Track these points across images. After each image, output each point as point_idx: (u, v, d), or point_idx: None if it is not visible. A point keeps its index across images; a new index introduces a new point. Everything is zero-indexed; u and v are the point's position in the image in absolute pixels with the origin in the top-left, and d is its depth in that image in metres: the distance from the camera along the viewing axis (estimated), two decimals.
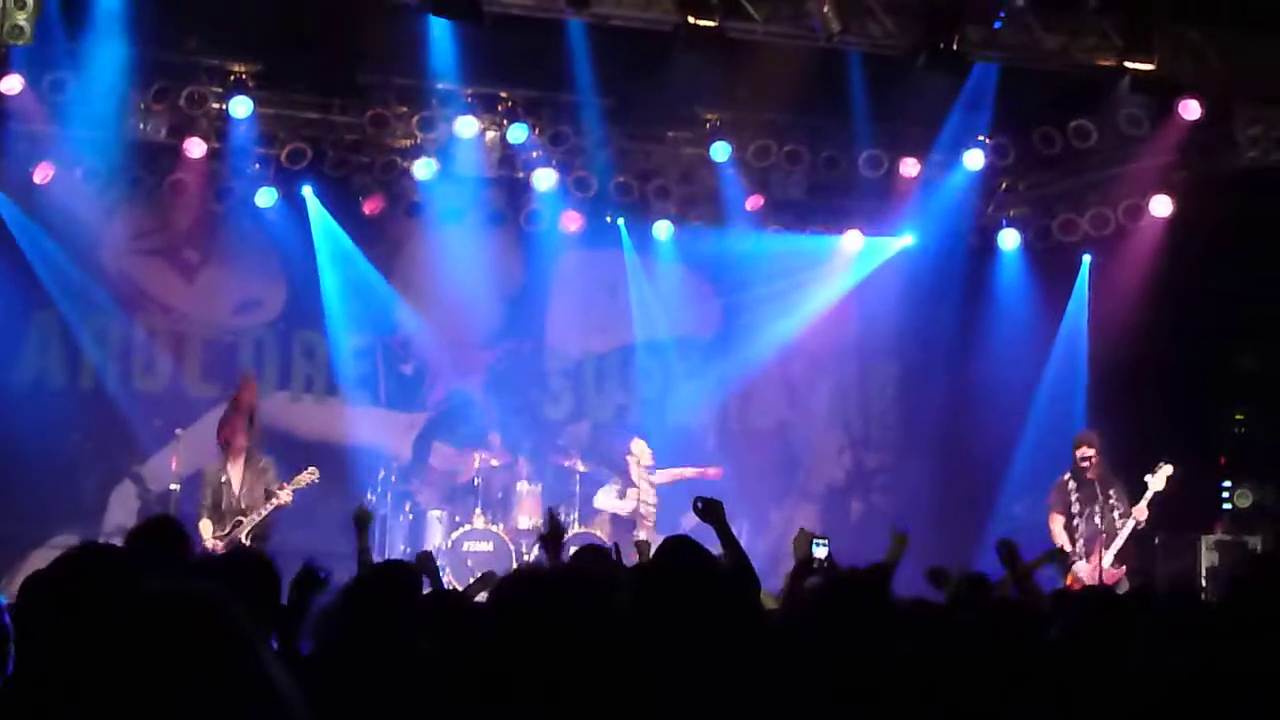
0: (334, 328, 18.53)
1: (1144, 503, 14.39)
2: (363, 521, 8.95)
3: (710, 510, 7.51)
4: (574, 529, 16.63)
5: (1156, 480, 14.44)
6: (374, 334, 18.83)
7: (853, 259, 19.53)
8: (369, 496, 16.81)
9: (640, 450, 16.86)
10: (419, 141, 17.34)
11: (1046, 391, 18.25)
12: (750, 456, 18.86)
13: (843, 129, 17.92)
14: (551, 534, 8.37)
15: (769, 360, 19.59)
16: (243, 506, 14.17)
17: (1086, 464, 14.79)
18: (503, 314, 19.21)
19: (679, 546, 5.19)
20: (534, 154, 17.69)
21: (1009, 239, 18.79)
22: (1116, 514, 14.56)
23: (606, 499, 17.10)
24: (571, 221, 18.56)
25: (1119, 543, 14.39)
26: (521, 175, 18.05)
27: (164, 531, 6.56)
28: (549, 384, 19.51)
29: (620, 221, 18.93)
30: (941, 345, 19.25)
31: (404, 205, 18.04)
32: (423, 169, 17.48)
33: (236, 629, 2.81)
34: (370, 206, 17.90)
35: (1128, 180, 17.57)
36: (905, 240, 19.35)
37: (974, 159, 17.88)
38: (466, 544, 16.55)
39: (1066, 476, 14.96)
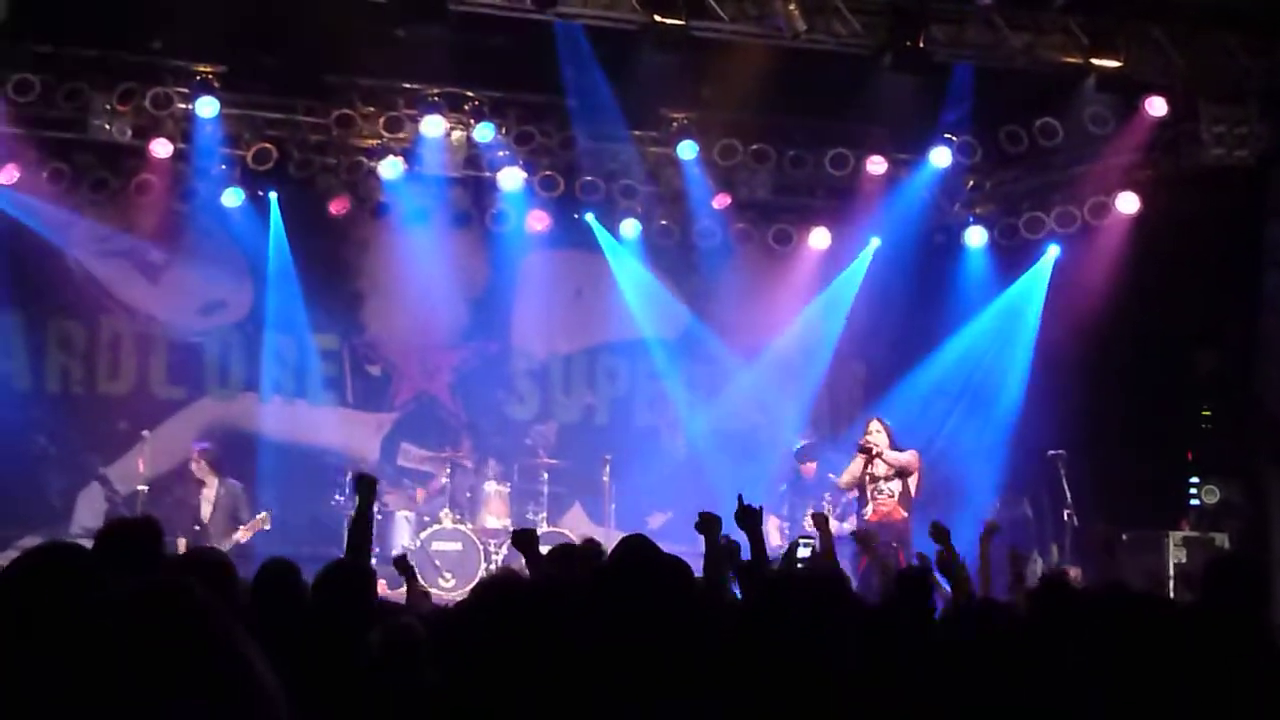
0: (301, 329, 18.57)
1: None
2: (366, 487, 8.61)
3: (707, 525, 7.59)
4: (543, 528, 16.71)
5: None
6: (341, 335, 18.93)
7: (819, 258, 19.53)
8: (337, 498, 16.77)
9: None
10: (385, 141, 17.32)
11: (1014, 388, 18.38)
12: (718, 457, 18.82)
13: (809, 128, 18.07)
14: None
15: (737, 360, 19.67)
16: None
17: (809, 474, 16.76)
18: (469, 314, 19.28)
19: (635, 547, 5.14)
20: (500, 153, 17.68)
21: (975, 236, 18.84)
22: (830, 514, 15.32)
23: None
24: (538, 221, 18.56)
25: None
26: (488, 175, 18.02)
27: (138, 532, 6.43)
28: (515, 385, 19.62)
29: (590, 217, 18.91)
30: (908, 343, 19.29)
31: (370, 205, 18.03)
32: (389, 169, 17.45)
33: (214, 622, 2.76)
34: (337, 207, 17.87)
35: (1093, 178, 17.64)
36: (872, 241, 19.36)
37: (940, 157, 17.96)
38: (435, 544, 16.57)
39: (784, 488, 16.82)
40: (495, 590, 4.14)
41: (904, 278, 19.15)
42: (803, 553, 10.09)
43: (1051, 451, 16.28)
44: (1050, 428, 17.05)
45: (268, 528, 15.05)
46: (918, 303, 19.22)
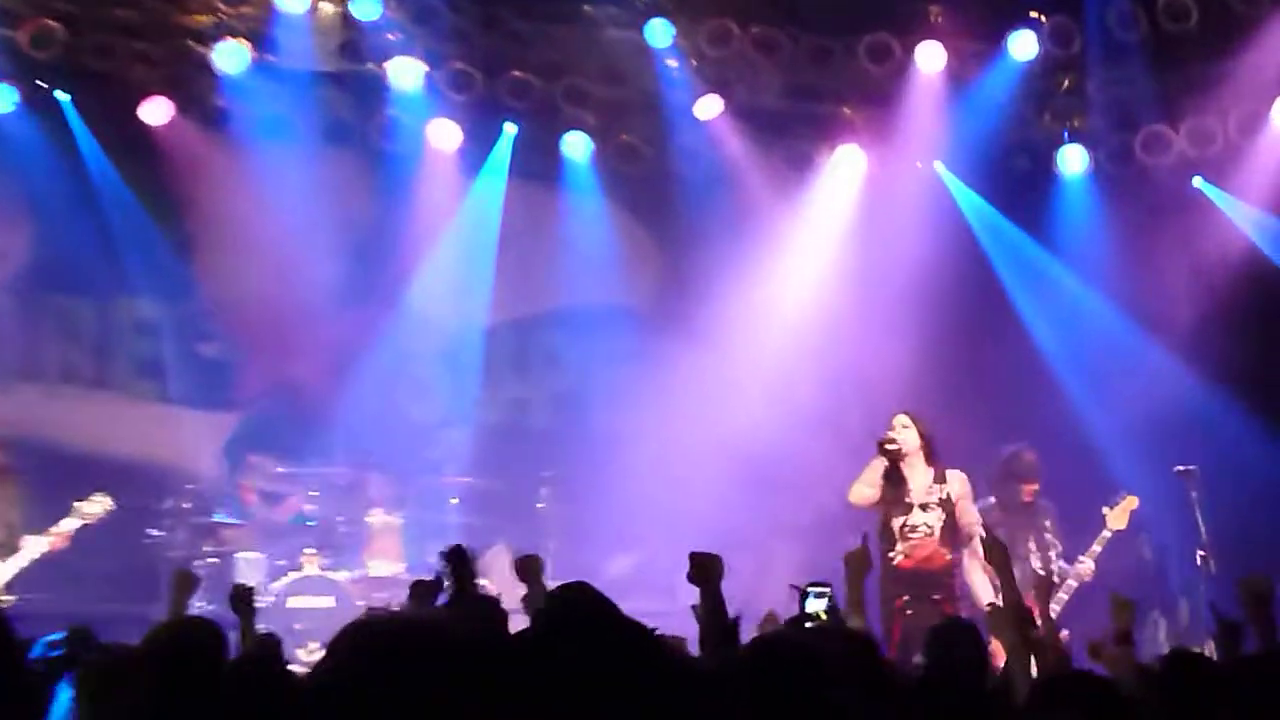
0: (102, 291, 18.52)
1: (1097, 546, 15.03)
2: (187, 585, 9.43)
3: (702, 571, 7.82)
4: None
5: (1116, 517, 14.99)
6: (163, 300, 18.84)
7: (849, 191, 19.37)
8: (154, 533, 16.87)
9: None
10: (223, 19, 17.35)
11: (1130, 375, 18.31)
12: (708, 475, 18.47)
13: (835, 5, 18.33)
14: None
15: (733, 338, 19.35)
16: None
17: (1029, 496, 15.87)
18: (348, 271, 19.04)
19: (574, 602, 5.11)
20: (390, 37, 17.69)
21: (1073, 160, 18.78)
22: (1054, 554, 15.48)
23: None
24: (444, 135, 18.54)
25: (1058, 599, 14.82)
26: (372, 68, 17.99)
27: None
28: (415, 371, 19.58)
29: (509, 127, 18.86)
30: (977, 313, 19.17)
31: (202, 112, 17.96)
32: (229, 58, 17.38)
33: None
34: (153, 113, 17.76)
35: (1242, 78, 17.55)
36: (924, 163, 19.34)
37: (1023, 46, 18.02)
38: (295, 599, 16.30)
39: (993, 500, 15.84)
40: (366, 646, 3.93)
41: (972, 219, 19.26)
42: (815, 605, 9.43)
43: (1180, 467, 15.79)
44: (1179, 431, 17.12)
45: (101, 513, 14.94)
46: (992, 253, 19.14)
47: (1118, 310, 18.72)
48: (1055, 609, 14.47)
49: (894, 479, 14.53)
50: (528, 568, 9.31)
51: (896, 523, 14.40)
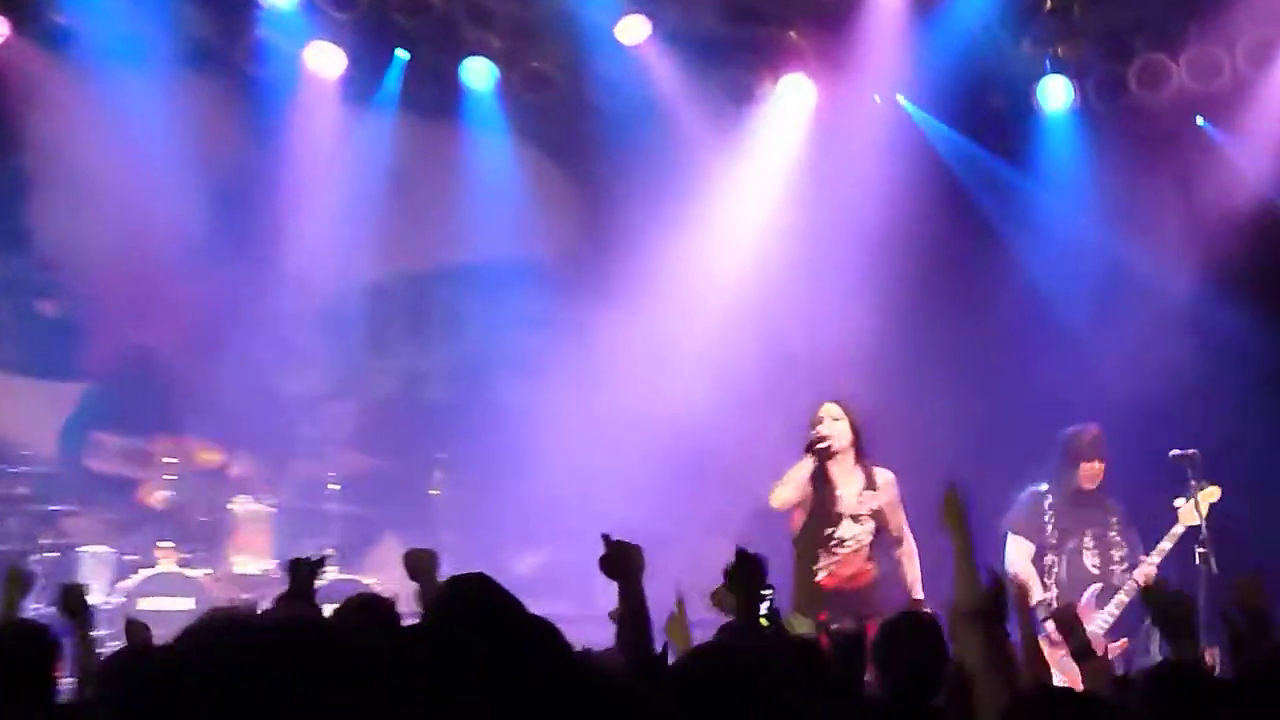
0: None
1: (1166, 544, 14.83)
2: (20, 584, 9.40)
3: (620, 560, 7.77)
4: (331, 574, 16.14)
5: (1190, 511, 14.72)
6: None
7: (796, 127, 19.42)
8: None
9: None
10: None
11: (1122, 341, 18.27)
12: (632, 460, 18.57)
13: None
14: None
15: (662, 298, 19.37)
16: None
17: (1089, 482, 15.45)
18: (212, 218, 18.83)
19: (469, 594, 5.14)
20: None
21: (1056, 94, 18.78)
22: (1117, 555, 15.25)
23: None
24: (325, 60, 18.58)
25: (1118, 602, 14.85)
26: None
27: None
28: (289, 334, 19.41)
29: (400, 52, 18.89)
30: (948, 270, 19.06)
31: (41, 30, 17.93)
32: None
33: None
34: None
35: (1254, 3, 17.50)
36: (884, 96, 19.35)
37: None
38: (148, 600, 16.14)
39: (1044, 487, 15.54)
40: (226, 639, 3.94)
41: (941, 160, 19.23)
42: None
43: (1176, 451, 15.53)
44: (1175, 408, 17.19)
45: None
46: (964, 202, 19.29)
47: (1105, 268, 18.62)
48: (1108, 619, 14.57)
49: (820, 481, 14.18)
50: (419, 564, 9.17)
51: (822, 533, 14.19)
